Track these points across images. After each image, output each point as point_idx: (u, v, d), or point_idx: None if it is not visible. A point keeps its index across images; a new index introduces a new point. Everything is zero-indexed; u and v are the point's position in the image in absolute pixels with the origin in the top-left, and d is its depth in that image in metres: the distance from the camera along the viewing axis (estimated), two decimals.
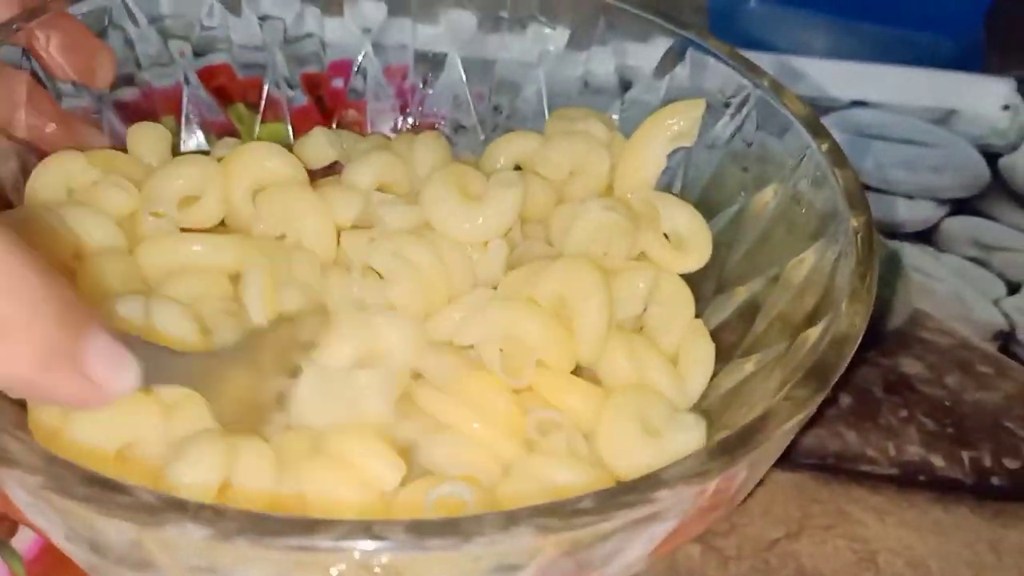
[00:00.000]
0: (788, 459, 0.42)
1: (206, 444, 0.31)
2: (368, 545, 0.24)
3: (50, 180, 0.38)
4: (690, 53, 0.43)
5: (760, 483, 0.40)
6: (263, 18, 0.46)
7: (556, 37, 0.47)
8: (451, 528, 0.25)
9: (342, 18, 0.47)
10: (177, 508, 0.23)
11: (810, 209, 0.38)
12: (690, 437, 0.34)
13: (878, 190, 0.57)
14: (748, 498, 0.39)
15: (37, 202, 0.38)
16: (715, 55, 0.42)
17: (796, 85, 0.62)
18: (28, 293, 0.23)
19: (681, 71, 0.44)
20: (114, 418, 0.32)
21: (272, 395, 0.34)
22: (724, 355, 0.39)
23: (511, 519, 0.25)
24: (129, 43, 0.43)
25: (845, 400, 0.45)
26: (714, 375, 0.38)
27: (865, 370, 0.46)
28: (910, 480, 0.42)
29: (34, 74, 0.39)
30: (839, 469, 0.42)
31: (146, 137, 0.41)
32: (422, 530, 0.24)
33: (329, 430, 0.33)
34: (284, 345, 0.34)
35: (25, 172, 0.38)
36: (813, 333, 0.33)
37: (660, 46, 0.44)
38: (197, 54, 0.45)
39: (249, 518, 0.24)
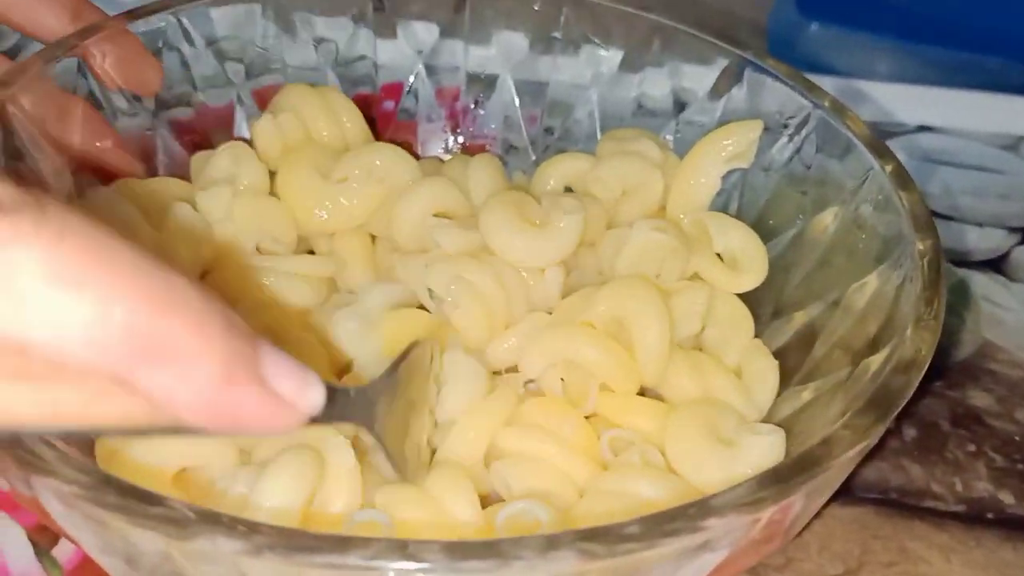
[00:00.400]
0: (848, 492, 0.40)
1: (291, 466, 0.31)
2: (403, 565, 0.23)
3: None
4: (747, 73, 0.42)
5: (817, 516, 0.38)
6: (317, 40, 0.46)
7: (609, 58, 0.46)
8: (489, 550, 0.24)
9: (395, 40, 0.47)
10: (209, 521, 0.23)
11: (873, 232, 0.37)
12: (769, 442, 0.32)
13: (946, 217, 0.55)
14: (804, 532, 0.38)
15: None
16: (773, 75, 0.41)
17: (859, 109, 0.60)
18: (189, 304, 0.20)
19: (738, 92, 0.43)
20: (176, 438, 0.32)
21: (423, 423, 0.33)
22: (782, 382, 0.37)
23: (551, 543, 0.24)
24: (184, 63, 0.43)
25: (909, 432, 0.43)
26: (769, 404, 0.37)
27: (931, 402, 0.44)
28: (977, 517, 0.39)
29: (90, 93, 0.39)
30: (902, 504, 0.40)
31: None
32: (459, 552, 0.23)
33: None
34: (419, 371, 0.33)
35: (79, 190, 0.38)
36: (876, 360, 0.32)
37: (716, 67, 0.43)
38: (251, 75, 0.45)
39: (282, 533, 0.23)
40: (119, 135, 0.40)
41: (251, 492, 0.29)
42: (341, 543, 0.23)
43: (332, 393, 0.24)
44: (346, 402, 0.27)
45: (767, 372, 0.37)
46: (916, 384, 0.28)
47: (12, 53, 0.54)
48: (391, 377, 0.30)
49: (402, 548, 0.23)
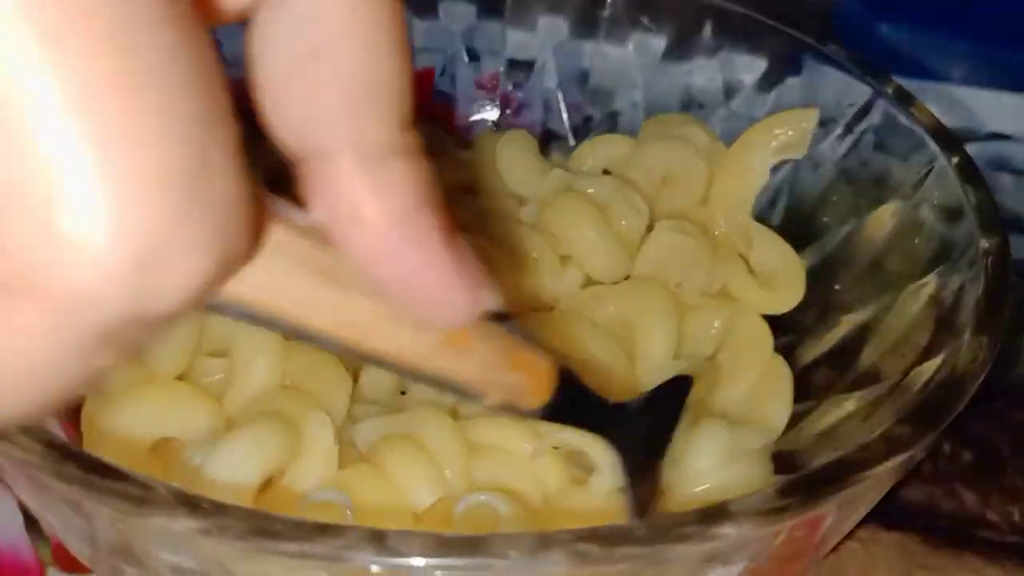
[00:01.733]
0: (894, 516, 0.37)
1: (252, 437, 0.29)
2: (380, 560, 0.21)
3: None
4: (805, 60, 0.39)
5: (858, 540, 0.35)
6: None
7: (656, 43, 0.43)
8: (474, 547, 0.21)
9: (434, 20, 0.45)
10: (165, 498, 0.21)
11: (933, 230, 0.33)
12: (749, 474, 0.30)
13: (1018, 229, 0.51)
14: (843, 555, 0.35)
15: None
16: (833, 61, 0.38)
17: None
18: None
19: (793, 80, 0.40)
20: (157, 406, 0.30)
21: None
22: (821, 391, 0.34)
23: (545, 542, 0.21)
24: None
25: (965, 456, 0.39)
26: (809, 412, 0.34)
27: (991, 423, 0.40)
28: None
29: None
30: (952, 532, 0.36)
31: None
32: (441, 545, 0.21)
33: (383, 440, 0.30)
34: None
35: None
36: (928, 368, 0.29)
37: (770, 52, 0.41)
38: None
39: (251, 516, 0.21)
40: None
41: (206, 462, 0.27)
42: (315, 531, 0.21)
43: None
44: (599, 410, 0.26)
45: (781, 388, 0.34)
46: (969, 396, 0.25)
47: None
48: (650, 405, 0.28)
49: (380, 540, 0.21)
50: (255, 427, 0.29)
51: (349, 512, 0.28)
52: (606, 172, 0.41)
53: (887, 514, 0.37)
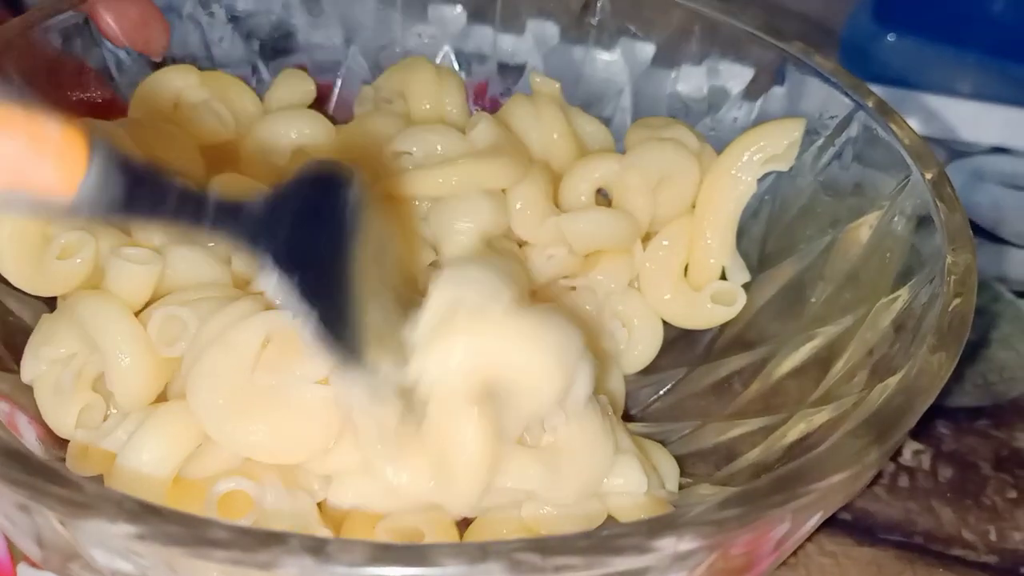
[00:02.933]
0: (868, 531, 0.36)
1: (166, 422, 0.29)
2: (318, 567, 0.21)
3: (162, 90, 0.38)
4: (789, 70, 0.39)
5: (831, 556, 0.35)
6: (341, 19, 0.44)
7: (644, 50, 0.43)
8: (414, 555, 0.21)
9: (424, 24, 0.45)
10: (108, 504, 0.21)
11: (906, 245, 0.33)
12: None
13: (1017, 245, 0.50)
14: (813, 569, 0.34)
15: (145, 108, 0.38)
16: (817, 73, 0.38)
17: (930, 125, 0.57)
18: None
19: (778, 90, 0.40)
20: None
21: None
22: (792, 404, 0.34)
23: (484, 552, 0.21)
24: (201, 32, 0.42)
25: (945, 472, 0.39)
26: (780, 425, 0.33)
27: (973, 441, 0.40)
28: (1010, 571, 0.35)
29: (102, 59, 0.39)
30: (927, 550, 0.36)
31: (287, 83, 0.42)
32: (381, 554, 0.21)
33: None
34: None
35: None
36: (892, 382, 0.28)
37: (756, 61, 0.40)
38: (272, 53, 0.44)
39: (190, 522, 0.21)
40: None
41: (121, 449, 0.28)
42: (256, 539, 0.21)
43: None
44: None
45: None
46: (922, 410, 0.25)
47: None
48: (300, 199, 0.26)
49: (319, 548, 0.21)
50: (168, 409, 0.29)
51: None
52: (599, 191, 0.40)
53: (861, 529, 0.36)
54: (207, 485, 0.29)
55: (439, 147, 0.38)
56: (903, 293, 0.32)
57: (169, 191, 0.24)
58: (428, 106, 0.42)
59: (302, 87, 0.42)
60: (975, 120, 0.57)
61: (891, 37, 0.64)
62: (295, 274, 0.25)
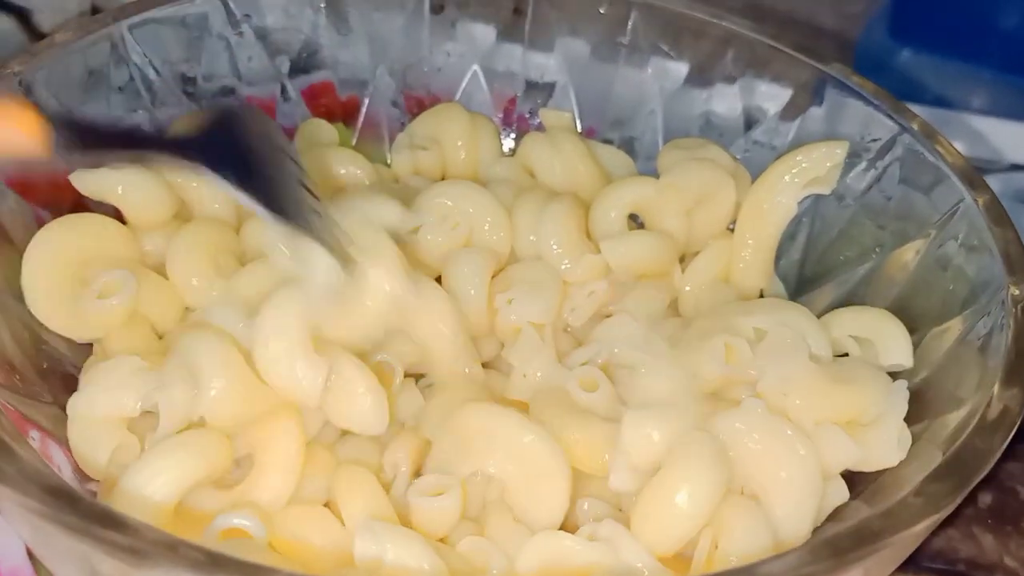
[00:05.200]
0: (910, 560, 0.36)
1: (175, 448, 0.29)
2: None
3: None
4: (829, 91, 0.39)
5: None
6: (369, 37, 0.43)
7: (677, 69, 0.43)
8: None
9: (452, 41, 0.44)
10: (167, 551, 0.20)
11: (959, 273, 0.33)
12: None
13: None
14: None
15: None
16: (858, 94, 0.38)
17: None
18: None
19: (816, 111, 0.40)
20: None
21: None
22: None
23: None
24: (229, 51, 0.41)
25: (985, 499, 0.38)
26: None
27: (1012, 466, 0.40)
28: None
29: (129, 77, 0.38)
30: None
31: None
32: None
33: None
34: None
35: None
36: (955, 418, 0.28)
37: (794, 82, 0.40)
38: (299, 67, 0.43)
39: (250, 570, 0.21)
40: None
41: (125, 474, 0.27)
42: None
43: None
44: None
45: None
46: (1001, 449, 0.24)
47: None
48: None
49: None
50: (181, 438, 0.28)
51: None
52: (632, 216, 0.40)
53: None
54: (206, 518, 0.28)
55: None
56: (955, 324, 0.32)
57: (119, 131, 0.30)
58: (463, 153, 0.42)
59: (327, 135, 0.42)
60: (992, 137, 0.57)
61: (907, 52, 0.64)
62: (232, 172, 0.29)
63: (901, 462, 0.29)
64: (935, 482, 0.23)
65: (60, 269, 0.32)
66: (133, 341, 0.33)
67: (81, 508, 0.21)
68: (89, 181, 0.34)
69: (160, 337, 0.34)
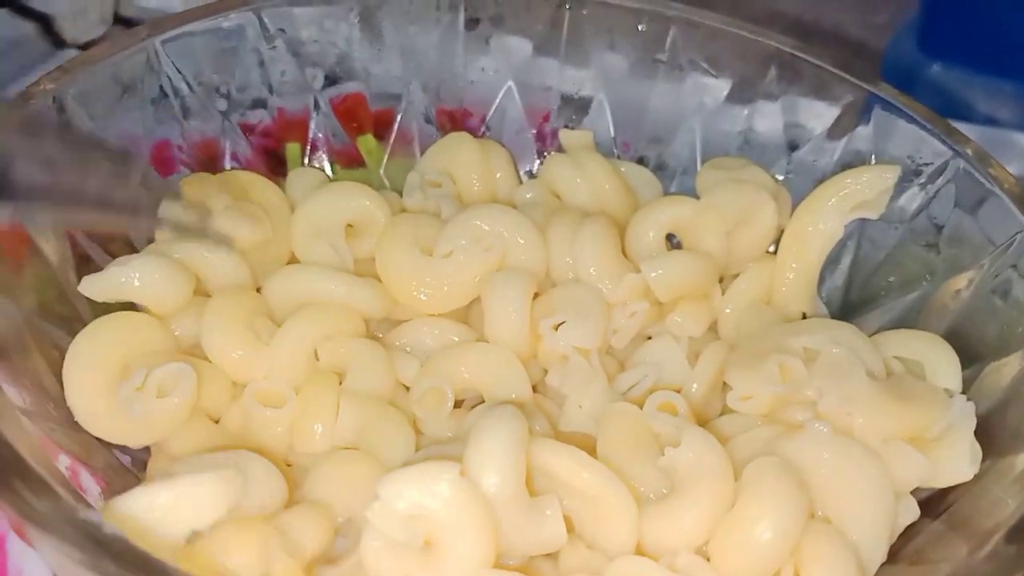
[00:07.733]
0: None
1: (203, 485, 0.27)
2: None
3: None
4: (876, 112, 0.38)
5: None
6: (403, 51, 0.42)
7: (718, 86, 0.42)
8: None
9: (486, 55, 0.43)
10: None
11: (1018, 304, 0.32)
12: None
13: None
14: None
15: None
16: (907, 116, 0.37)
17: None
18: None
19: (863, 131, 0.39)
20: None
21: None
22: None
23: None
24: (262, 65, 0.40)
25: None
26: None
27: None
28: None
29: (160, 90, 0.37)
30: None
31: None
32: None
33: None
34: None
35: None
36: (1021, 462, 0.27)
37: (839, 101, 0.39)
38: (331, 81, 0.42)
39: None
40: None
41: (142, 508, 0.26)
42: None
43: None
44: None
45: None
46: None
47: None
48: None
49: None
50: (212, 472, 0.27)
51: None
52: (670, 236, 0.39)
53: None
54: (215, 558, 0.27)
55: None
56: (1015, 358, 0.31)
57: None
58: (478, 185, 0.41)
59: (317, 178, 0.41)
60: (1020, 151, 0.56)
61: (937, 67, 0.63)
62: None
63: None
64: (1008, 544, 0.22)
65: (104, 375, 0.30)
66: (197, 436, 0.31)
67: (116, 553, 0.20)
68: (100, 286, 0.32)
69: (216, 421, 0.32)
